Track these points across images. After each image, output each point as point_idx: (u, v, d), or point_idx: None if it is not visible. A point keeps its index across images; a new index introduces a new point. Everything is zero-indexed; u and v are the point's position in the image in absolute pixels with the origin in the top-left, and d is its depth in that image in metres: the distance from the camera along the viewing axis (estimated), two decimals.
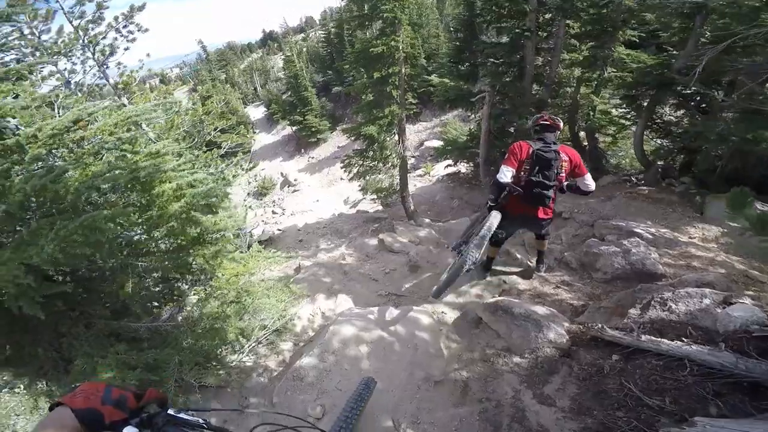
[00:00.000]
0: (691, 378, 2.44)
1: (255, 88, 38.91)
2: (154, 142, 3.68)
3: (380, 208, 10.65)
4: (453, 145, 9.46)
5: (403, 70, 6.18)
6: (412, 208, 7.94)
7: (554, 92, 8.01)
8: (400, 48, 6.01)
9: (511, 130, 8.07)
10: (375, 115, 6.28)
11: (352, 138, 6.89)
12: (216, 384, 3.74)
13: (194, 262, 3.15)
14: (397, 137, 6.88)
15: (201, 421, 0.94)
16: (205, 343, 3.27)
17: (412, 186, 13.18)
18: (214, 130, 7.79)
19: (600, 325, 3.12)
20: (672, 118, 7.47)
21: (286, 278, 6.79)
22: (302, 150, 25.98)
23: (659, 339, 2.72)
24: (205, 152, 8.80)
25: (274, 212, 20.60)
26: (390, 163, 7.03)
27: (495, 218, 3.53)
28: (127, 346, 2.94)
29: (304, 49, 34.68)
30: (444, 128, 16.98)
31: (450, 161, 10.71)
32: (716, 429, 1.92)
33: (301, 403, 3.23)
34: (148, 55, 6.78)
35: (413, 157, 19.17)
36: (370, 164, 7.12)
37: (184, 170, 2.84)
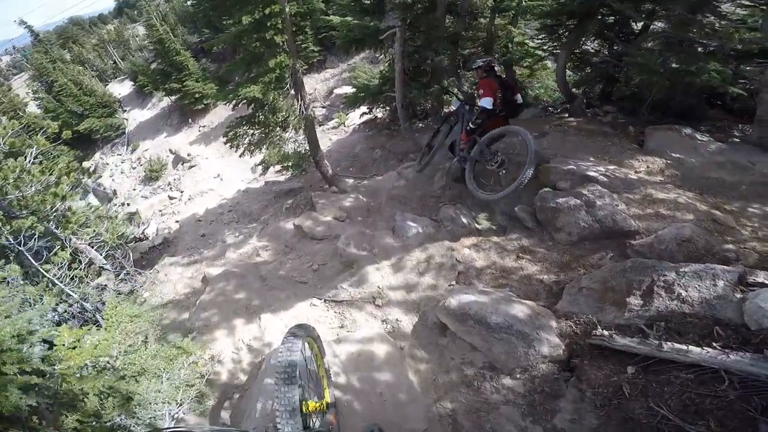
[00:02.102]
0: (733, 393, 1.94)
1: (114, 62, 32.88)
2: None
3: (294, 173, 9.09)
4: (365, 91, 8.17)
5: (287, 8, 4.56)
6: (330, 171, 6.66)
7: (469, 24, 7.05)
8: None
9: (427, 69, 6.99)
10: (256, 71, 4.70)
11: (230, 105, 5.19)
12: None
13: None
14: (294, 92, 5.37)
15: None
16: None
17: (327, 140, 11.68)
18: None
19: (606, 332, 2.46)
20: (589, 48, 7.04)
21: (180, 318, 5.32)
22: (189, 120, 22.17)
23: (686, 348, 2.11)
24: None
25: (171, 197, 17.50)
26: (291, 126, 5.58)
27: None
28: None
29: (169, 11, 29.18)
30: (353, 73, 15.29)
31: (365, 108, 9.40)
32: None
33: None
34: None
35: (324, 107, 17.28)
36: (264, 132, 5.59)
37: None
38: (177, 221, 11.75)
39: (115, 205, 20.89)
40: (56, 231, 5.63)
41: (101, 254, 6.52)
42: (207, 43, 5.15)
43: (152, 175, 21.78)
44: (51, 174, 5.21)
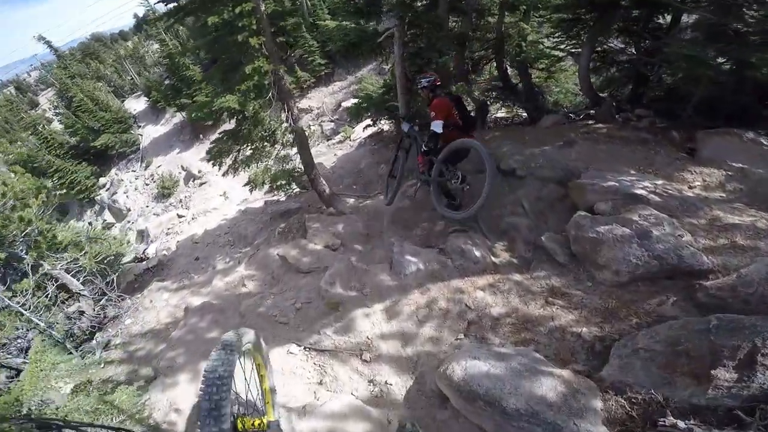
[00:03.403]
0: None
1: (132, 78, 33.25)
2: None
3: (295, 191, 8.45)
4: (368, 102, 7.54)
5: (263, 7, 3.96)
6: (327, 190, 5.94)
7: (476, 24, 6.36)
8: None
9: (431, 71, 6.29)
10: (232, 79, 4.12)
11: (206, 121, 4.61)
12: None
13: None
14: (281, 104, 4.75)
15: None
16: None
17: (333, 156, 11.12)
18: None
19: (681, 424, 1.65)
20: (613, 45, 6.23)
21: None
22: (200, 136, 22.06)
23: None
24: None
25: (179, 216, 17.18)
26: (279, 142, 4.96)
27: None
28: None
29: (181, 27, 29.49)
30: (360, 85, 14.81)
31: (369, 121, 8.76)
32: None
33: None
34: None
35: (332, 121, 16.82)
36: (251, 148, 4.98)
37: None
38: (178, 241, 11.29)
39: (128, 222, 20.79)
40: (25, 256, 5.13)
41: (79, 279, 6.00)
42: (181, 48, 4.61)
43: (164, 192, 21.71)
44: (9, 197, 4.70)
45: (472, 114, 4.47)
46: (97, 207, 25.13)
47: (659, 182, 3.44)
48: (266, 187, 5.97)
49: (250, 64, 3.87)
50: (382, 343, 3.07)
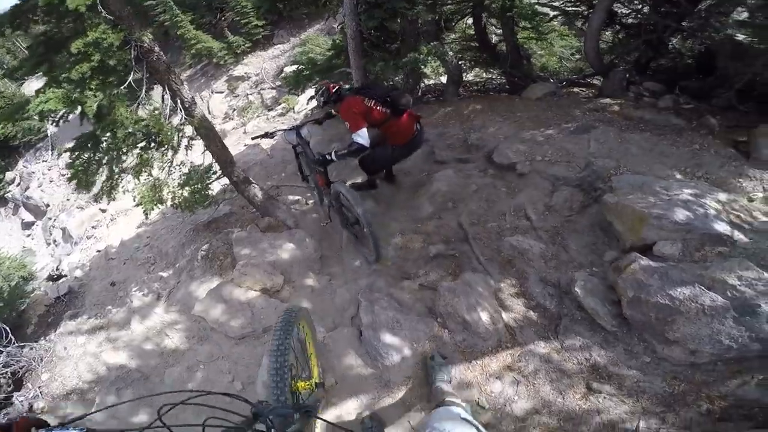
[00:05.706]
0: None
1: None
2: None
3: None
4: (311, 68, 6.06)
5: None
6: (259, 195, 4.40)
7: None
8: None
9: (395, 28, 4.85)
10: (55, 60, 2.56)
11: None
12: None
13: None
14: (163, 89, 3.17)
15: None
16: None
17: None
18: None
19: None
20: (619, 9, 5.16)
21: None
22: None
23: None
24: None
25: (102, 210, 14.54)
26: (169, 143, 3.39)
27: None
28: None
29: None
30: (304, 47, 12.78)
31: (313, 91, 7.21)
32: None
33: None
34: None
35: (273, 88, 14.66)
36: (134, 154, 3.42)
37: None
38: (98, 251, 9.34)
39: (50, 220, 18.06)
40: None
41: None
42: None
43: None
44: None
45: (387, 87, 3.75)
46: (11, 205, 21.89)
47: (722, 196, 2.49)
48: (165, 206, 4.39)
49: (80, 39, 2.31)
50: None
